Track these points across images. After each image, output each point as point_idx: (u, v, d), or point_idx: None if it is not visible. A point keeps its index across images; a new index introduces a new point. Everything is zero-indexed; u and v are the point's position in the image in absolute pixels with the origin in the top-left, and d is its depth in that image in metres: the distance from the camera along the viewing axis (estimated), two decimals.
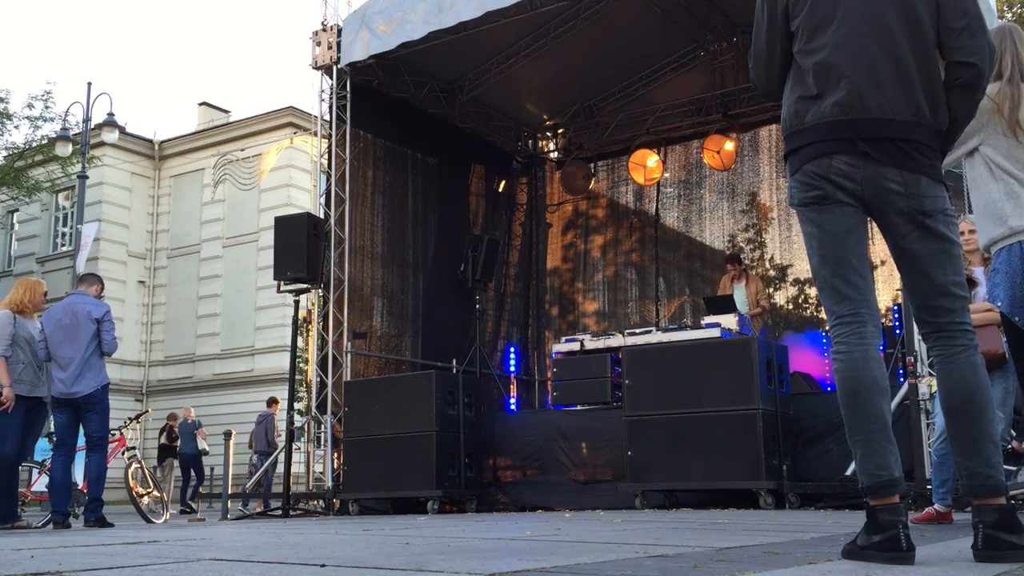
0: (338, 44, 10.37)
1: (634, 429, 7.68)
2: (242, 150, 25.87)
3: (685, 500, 7.73)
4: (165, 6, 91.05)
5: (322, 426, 9.94)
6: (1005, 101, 3.12)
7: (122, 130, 23.48)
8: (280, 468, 10.58)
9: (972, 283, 4.90)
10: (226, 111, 31.46)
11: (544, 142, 14.24)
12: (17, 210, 29.32)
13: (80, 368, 7.06)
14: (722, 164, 12.26)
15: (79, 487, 8.11)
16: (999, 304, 3.19)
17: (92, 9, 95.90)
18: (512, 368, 12.67)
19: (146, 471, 9.26)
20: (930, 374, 6.84)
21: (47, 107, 24.55)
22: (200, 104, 31.24)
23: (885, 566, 2.42)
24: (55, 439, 7.31)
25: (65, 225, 28.69)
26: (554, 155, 14.12)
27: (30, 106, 24.53)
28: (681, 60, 12.29)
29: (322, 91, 10.67)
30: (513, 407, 12.18)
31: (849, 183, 2.63)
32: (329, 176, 10.54)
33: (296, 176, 26.06)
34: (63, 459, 7.24)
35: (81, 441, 7.38)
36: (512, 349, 12.78)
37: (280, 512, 9.35)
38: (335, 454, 9.63)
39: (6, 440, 7.09)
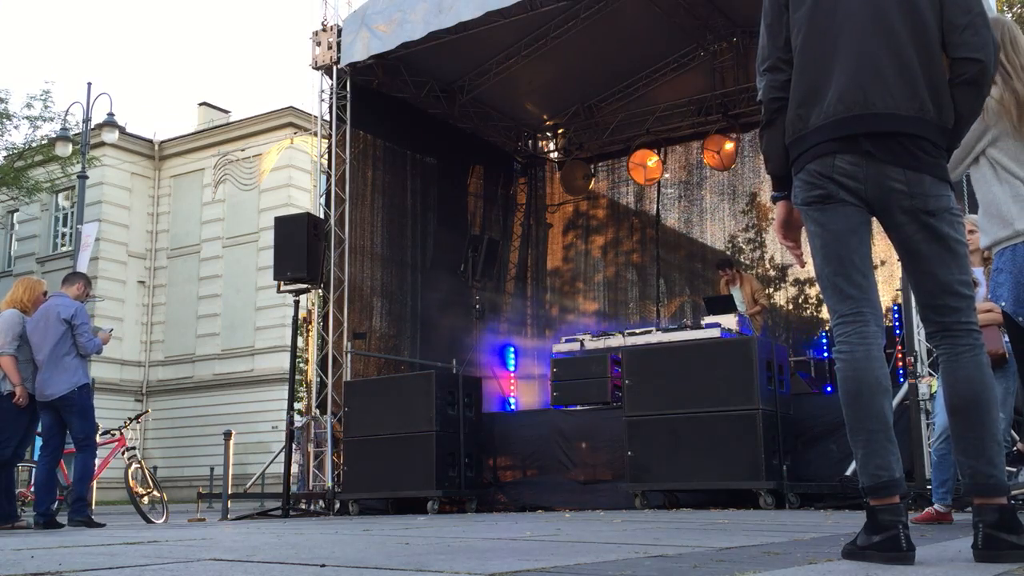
0: (338, 44, 10.37)
1: (634, 429, 7.67)
2: (242, 150, 25.85)
3: (685, 500, 7.73)
4: (165, 6, 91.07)
5: (322, 426, 9.93)
6: (1012, 107, 3.10)
7: (122, 130, 23.47)
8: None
9: (973, 283, 4.89)
10: (226, 111, 31.47)
11: (544, 142, 14.24)
12: (17, 210, 29.31)
13: (51, 370, 7.00)
14: (722, 164, 12.27)
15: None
16: (1003, 304, 3.18)
17: (92, 9, 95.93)
18: (512, 368, 12.67)
19: (146, 471, 9.25)
20: (930, 374, 6.83)
21: (46, 107, 24.54)
22: (200, 104, 31.25)
23: (885, 566, 2.42)
24: (41, 440, 7.30)
25: (65, 225, 28.68)
26: (554, 155, 14.12)
27: (29, 106, 24.53)
28: (681, 60, 12.30)
29: (322, 91, 10.67)
30: (513, 407, 12.18)
31: (852, 182, 2.62)
32: (329, 176, 10.54)
33: (296, 176, 26.07)
34: (46, 460, 7.20)
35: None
36: (512, 349, 12.77)
37: (280, 512, 9.35)
38: (335, 454, 9.63)
39: (10, 441, 7.07)
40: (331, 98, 10.60)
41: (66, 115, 21.23)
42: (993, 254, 3.23)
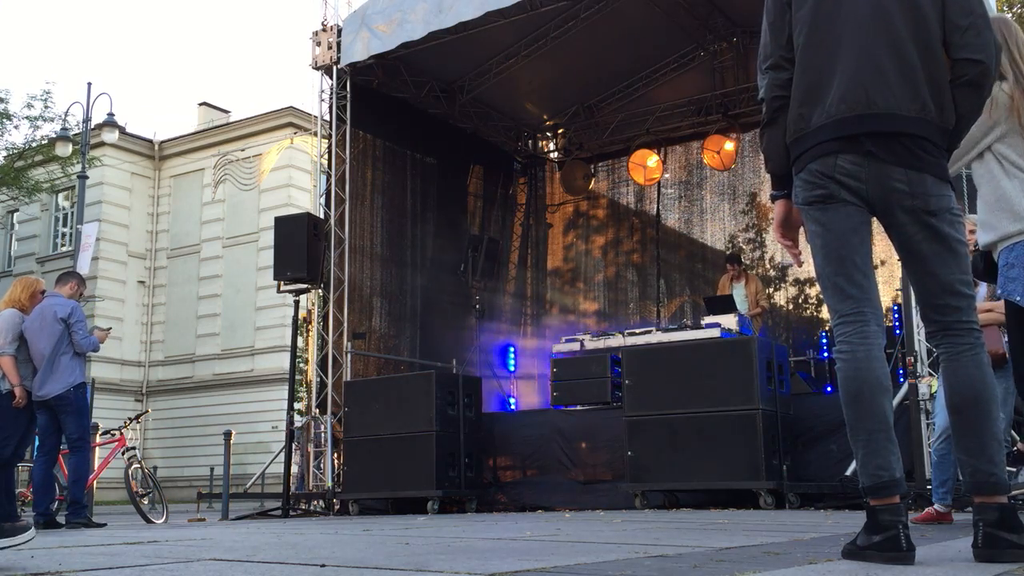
0: (338, 44, 10.37)
1: (634, 429, 7.67)
2: (242, 150, 25.86)
3: (685, 500, 7.73)
4: (165, 6, 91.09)
5: (322, 426, 9.93)
6: (1021, 105, 3.09)
7: (122, 130, 23.45)
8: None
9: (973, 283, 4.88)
10: (226, 111, 31.45)
11: (544, 142, 14.24)
12: (17, 210, 29.29)
13: (47, 370, 7.02)
14: (722, 164, 12.27)
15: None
16: (1017, 298, 3.15)
17: (92, 9, 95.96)
18: (512, 368, 12.67)
19: (146, 471, 9.25)
20: (930, 374, 6.83)
21: (47, 107, 24.49)
22: (200, 104, 31.22)
23: (885, 566, 2.41)
24: (37, 441, 7.30)
25: (65, 225, 28.67)
26: (554, 155, 14.13)
27: (29, 106, 24.47)
28: (681, 60, 12.30)
29: (322, 91, 10.67)
30: (513, 407, 12.18)
31: (854, 182, 2.62)
32: (329, 176, 10.54)
33: (296, 176, 26.06)
34: (43, 460, 7.21)
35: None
36: (512, 349, 12.77)
37: (280, 512, 9.35)
38: (335, 454, 9.63)
39: (10, 440, 7.07)
40: (331, 98, 10.60)
41: (66, 115, 21.24)
42: (999, 249, 3.19)
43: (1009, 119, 3.10)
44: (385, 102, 11.17)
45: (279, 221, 10.36)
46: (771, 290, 12.14)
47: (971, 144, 3.13)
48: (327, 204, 10.49)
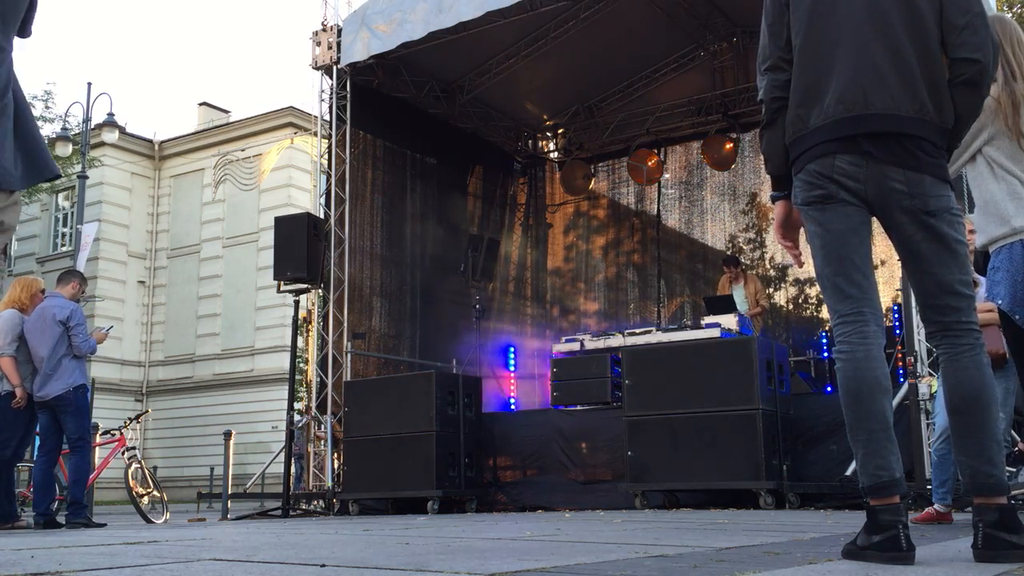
0: (338, 44, 10.37)
1: (634, 429, 7.67)
2: (242, 150, 25.86)
3: (685, 500, 7.72)
4: (165, 6, 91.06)
5: (322, 426, 9.93)
6: (1007, 107, 3.09)
7: (122, 130, 23.45)
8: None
9: (972, 283, 4.88)
10: (226, 111, 31.46)
11: (544, 142, 14.24)
12: None
13: (49, 371, 7.03)
14: (722, 164, 12.27)
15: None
16: (999, 302, 3.17)
17: (92, 9, 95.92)
18: (512, 368, 12.67)
19: (146, 471, 9.25)
20: (930, 374, 6.83)
21: (47, 107, 24.53)
22: (200, 104, 31.24)
23: (885, 566, 2.41)
24: (37, 441, 7.31)
25: (65, 225, 28.68)
26: (554, 155, 14.13)
27: (30, 106, 24.47)
28: (681, 60, 12.30)
29: (322, 91, 10.67)
30: (513, 407, 12.18)
31: (852, 182, 2.62)
32: (329, 176, 10.53)
33: (296, 176, 26.06)
34: (43, 460, 7.22)
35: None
36: (512, 348, 12.77)
37: (280, 512, 9.35)
38: (335, 454, 9.63)
39: (10, 440, 7.08)
40: (331, 98, 10.59)
41: (66, 115, 21.24)
42: (990, 252, 3.21)
43: (995, 121, 3.10)
44: (385, 102, 11.16)
45: (279, 221, 10.35)
46: (771, 290, 12.14)
47: (964, 147, 3.13)
48: (327, 204, 10.49)
